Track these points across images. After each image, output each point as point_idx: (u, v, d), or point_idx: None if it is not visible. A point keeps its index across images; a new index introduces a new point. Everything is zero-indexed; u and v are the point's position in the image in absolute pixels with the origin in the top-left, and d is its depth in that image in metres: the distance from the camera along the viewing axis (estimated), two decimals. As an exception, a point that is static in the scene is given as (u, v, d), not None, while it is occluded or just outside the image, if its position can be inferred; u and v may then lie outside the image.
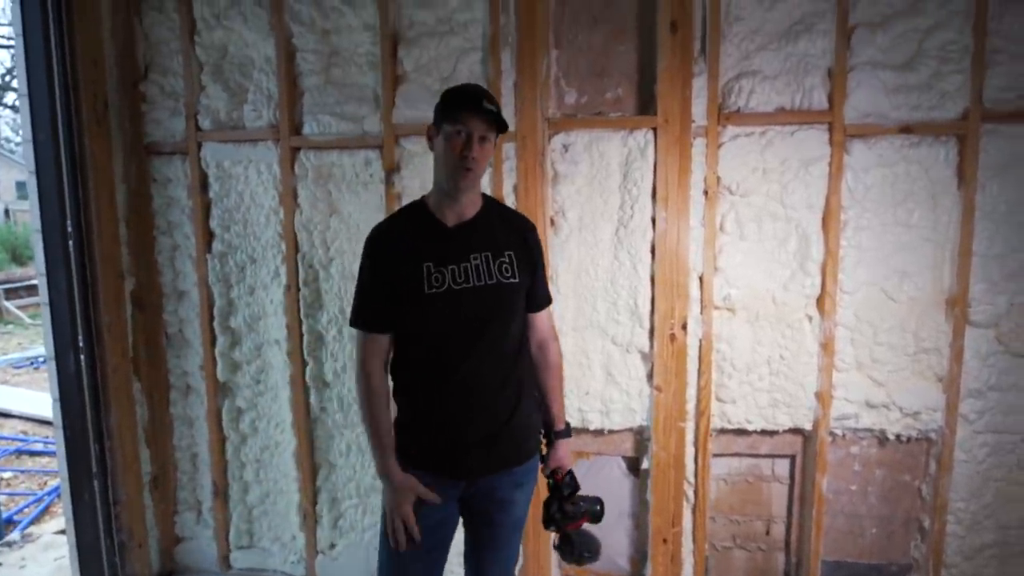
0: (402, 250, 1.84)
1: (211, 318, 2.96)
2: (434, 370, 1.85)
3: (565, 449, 2.05)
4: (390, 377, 1.95)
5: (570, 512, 1.96)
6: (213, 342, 2.97)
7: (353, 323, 1.91)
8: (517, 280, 1.87)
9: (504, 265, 1.85)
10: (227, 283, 2.94)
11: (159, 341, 3.04)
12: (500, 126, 1.80)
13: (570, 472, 2.02)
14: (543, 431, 2.05)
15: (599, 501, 2.00)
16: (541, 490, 2.09)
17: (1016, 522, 2.61)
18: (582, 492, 2.01)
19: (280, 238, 2.86)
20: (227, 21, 2.80)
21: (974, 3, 2.41)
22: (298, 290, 2.86)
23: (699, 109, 2.56)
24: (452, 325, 1.82)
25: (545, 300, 2.03)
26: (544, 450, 2.05)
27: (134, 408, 2.96)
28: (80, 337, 2.77)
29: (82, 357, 2.78)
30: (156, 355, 3.03)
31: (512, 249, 1.88)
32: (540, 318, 2.02)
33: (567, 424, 2.08)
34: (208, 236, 2.94)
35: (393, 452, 1.88)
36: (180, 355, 3.05)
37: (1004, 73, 2.43)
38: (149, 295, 3.00)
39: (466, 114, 1.75)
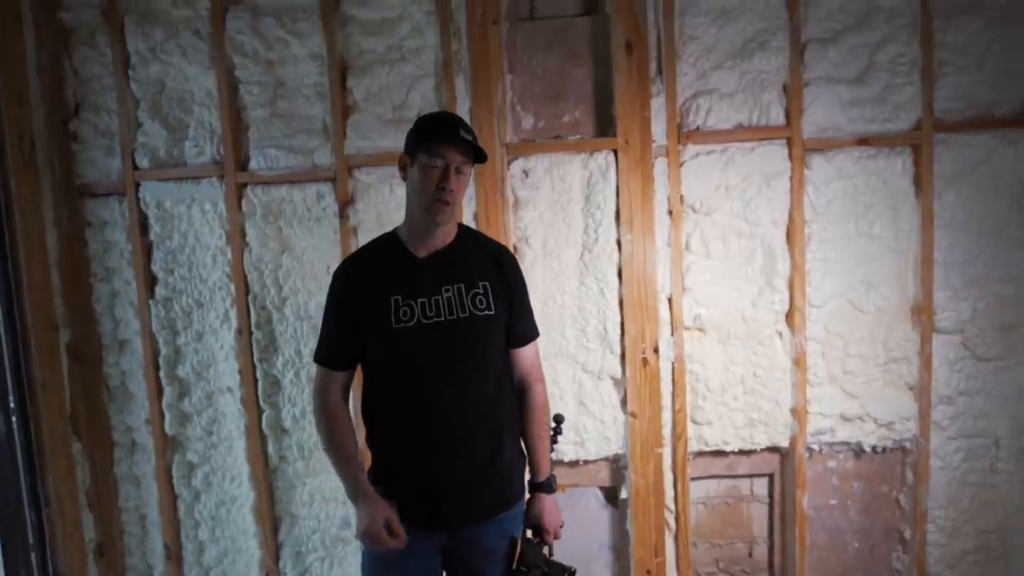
0: (369, 283, 1.74)
1: (156, 368, 2.77)
2: (405, 411, 1.74)
3: (545, 504, 1.87)
4: (362, 422, 1.84)
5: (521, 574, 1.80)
6: (159, 394, 2.78)
7: (315, 358, 1.83)
8: (493, 312, 1.76)
9: (479, 297, 1.75)
10: (172, 330, 2.76)
11: (100, 396, 2.82)
12: (478, 156, 1.71)
13: (535, 532, 1.87)
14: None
15: (568, 570, 1.80)
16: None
17: (993, 526, 2.62)
18: (558, 559, 1.85)
19: (229, 279, 2.70)
20: (164, 54, 2.65)
21: (919, 17, 2.46)
22: (251, 333, 2.70)
23: (659, 129, 2.53)
24: (422, 362, 1.72)
25: (526, 335, 1.90)
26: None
27: (74, 470, 2.73)
28: (11, 396, 2.56)
29: (13, 419, 2.57)
30: (97, 411, 2.81)
31: (488, 280, 1.78)
32: (522, 354, 1.89)
33: (551, 476, 1.90)
34: (150, 281, 2.75)
35: (364, 471, 1.78)
36: (123, 410, 2.84)
37: (952, 84, 2.48)
38: (87, 347, 2.79)
39: (443, 144, 1.66)
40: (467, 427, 1.74)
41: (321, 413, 1.80)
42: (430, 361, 1.72)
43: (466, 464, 1.75)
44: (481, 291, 1.76)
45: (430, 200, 1.67)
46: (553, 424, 1.98)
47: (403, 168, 1.76)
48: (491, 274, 1.80)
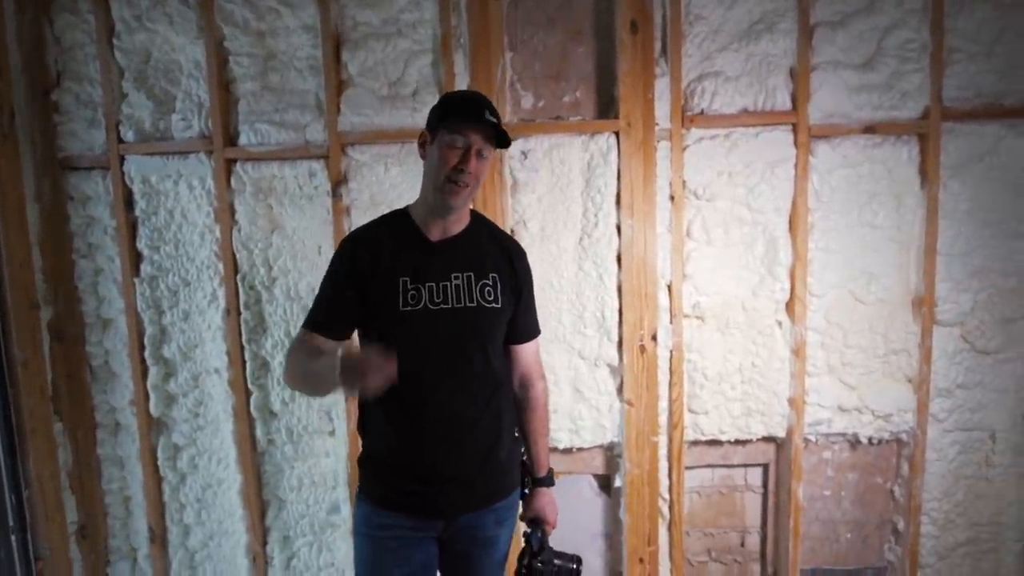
0: (378, 260, 1.67)
1: (141, 348, 2.70)
2: (405, 398, 1.65)
3: (546, 499, 1.91)
4: (355, 408, 1.79)
5: (537, 570, 1.81)
6: (144, 374, 2.71)
7: (304, 324, 1.71)
8: (499, 305, 1.72)
9: (487, 288, 1.70)
10: (158, 309, 2.68)
11: (82, 376, 2.75)
12: (501, 140, 1.64)
13: (540, 527, 1.88)
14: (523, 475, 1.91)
15: (576, 560, 1.84)
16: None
17: (987, 519, 2.62)
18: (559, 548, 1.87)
19: (217, 258, 2.63)
20: (150, 23, 2.55)
21: (931, 1, 2.40)
22: (239, 314, 2.63)
23: (662, 111, 2.47)
24: (426, 348, 1.66)
25: (529, 332, 1.87)
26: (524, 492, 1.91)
27: (55, 452, 2.66)
28: (-10, 377, 2.49)
29: (-7, 399, 2.50)
30: (79, 391, 2.74)
31: (497, 272, 1.73)
32: (524, 351, 1.86)
33: (550, 471, 1.94)
34: (135, 258, 2.67)
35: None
36: (107, 390, 2.77)
37: (962, 72, 2.43)
38: (69, 325, 2.71)
39: (467, 124, 1.59)
40: (467, 420, 1.70)
41: (292, 359, 1.66)
42: (433, 349, 1.66)
43: (465, 456, 1.71)
44: (490, 283, 1.71)
45: (445, 181, 1.61)
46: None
47: (423, 145, 1.69)
48: (502, 267, 1.75)
